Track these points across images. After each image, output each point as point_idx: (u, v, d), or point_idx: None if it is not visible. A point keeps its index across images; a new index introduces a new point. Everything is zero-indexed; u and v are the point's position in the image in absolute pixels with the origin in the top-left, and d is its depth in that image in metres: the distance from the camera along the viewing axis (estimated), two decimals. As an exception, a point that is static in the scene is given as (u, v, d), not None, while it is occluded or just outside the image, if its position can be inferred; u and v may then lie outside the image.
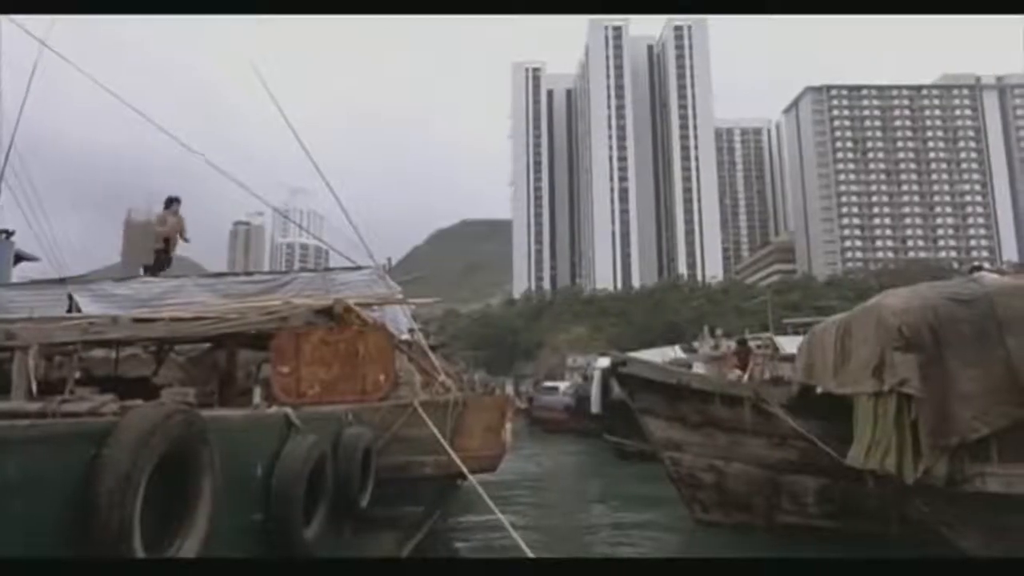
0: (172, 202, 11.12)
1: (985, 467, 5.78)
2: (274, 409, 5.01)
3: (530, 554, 4.41)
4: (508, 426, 6.58)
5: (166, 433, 2.84)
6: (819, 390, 7.45)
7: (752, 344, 17.62)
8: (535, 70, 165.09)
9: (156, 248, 10.98)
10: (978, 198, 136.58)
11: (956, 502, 5.88)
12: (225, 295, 8.65)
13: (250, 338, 7.10)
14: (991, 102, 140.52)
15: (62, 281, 9.48)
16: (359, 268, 9.36)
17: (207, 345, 7.91)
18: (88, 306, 8.49)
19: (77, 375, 6.59)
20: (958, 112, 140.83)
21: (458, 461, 5.70)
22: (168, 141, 8.58)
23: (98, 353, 7.70)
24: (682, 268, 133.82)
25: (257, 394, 6.31)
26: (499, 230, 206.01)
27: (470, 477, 5.71)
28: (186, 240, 11.39)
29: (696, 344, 29.26)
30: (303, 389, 6.34)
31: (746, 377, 14.13)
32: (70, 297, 8.72)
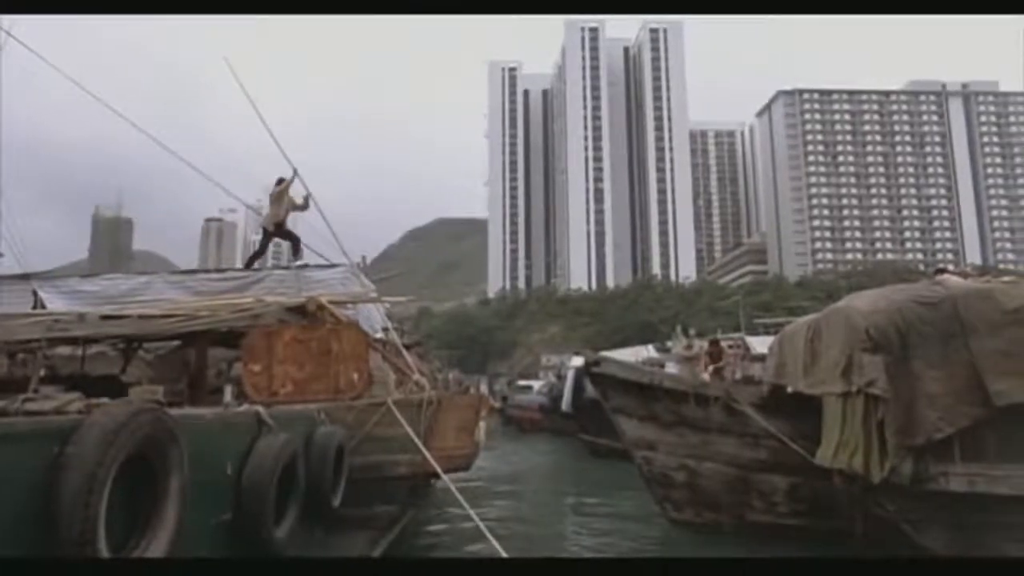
0: (282, 181, 10.46)
1: (948, 466, 5.91)
2: (245, 407, 4.95)
3: (503, 554, 4.41)
4: (482, 425, 6.59)
5: (133, 432, 2.79)
6: (789, 390, 7.56)
7: (724, 344, 17.79)
8: (511, 70, 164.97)
9: (271, 227, 10.41)
10: (943, 202, 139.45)
11: (920, 500, 6.00)
12: (196, 292, 8.53)
13: (221, 336, 7.01)
14: (956, 108, 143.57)
15: (26, 277, 9.27)
16: (333, 266, 9.30)
17: (177, 343, 7.79)
18: (53, 302, 8.33)
19: (42, 373, 6.46)
20: (925, 118, 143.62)
21: (431, 460, 5.69)
22: (141, 137, 8.43)
23: (64, 351, 7.55)
24: (656, 268, 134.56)
25: (228, 392, 6.23)
26: (474, 229, 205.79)
27: (443, 476, 5.70)
28: (301, 208, 10.70)
29: (669, 344, 29.44)
30: (275, 387, 6.28)
31: (708, 374, 14.29)
32: (35, 293, 8.54)
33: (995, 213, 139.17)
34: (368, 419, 6.04)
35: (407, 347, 9.15)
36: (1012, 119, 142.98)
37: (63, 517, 2.44)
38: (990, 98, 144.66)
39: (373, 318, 9.29)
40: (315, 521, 5.03)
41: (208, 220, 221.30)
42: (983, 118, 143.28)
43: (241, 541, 3.89)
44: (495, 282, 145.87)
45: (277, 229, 10.39)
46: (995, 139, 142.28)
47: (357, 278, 9.11)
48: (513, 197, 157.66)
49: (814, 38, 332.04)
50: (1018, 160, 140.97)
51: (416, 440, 5.82)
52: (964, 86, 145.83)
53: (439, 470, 5.67)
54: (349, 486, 5.46)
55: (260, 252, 10.83)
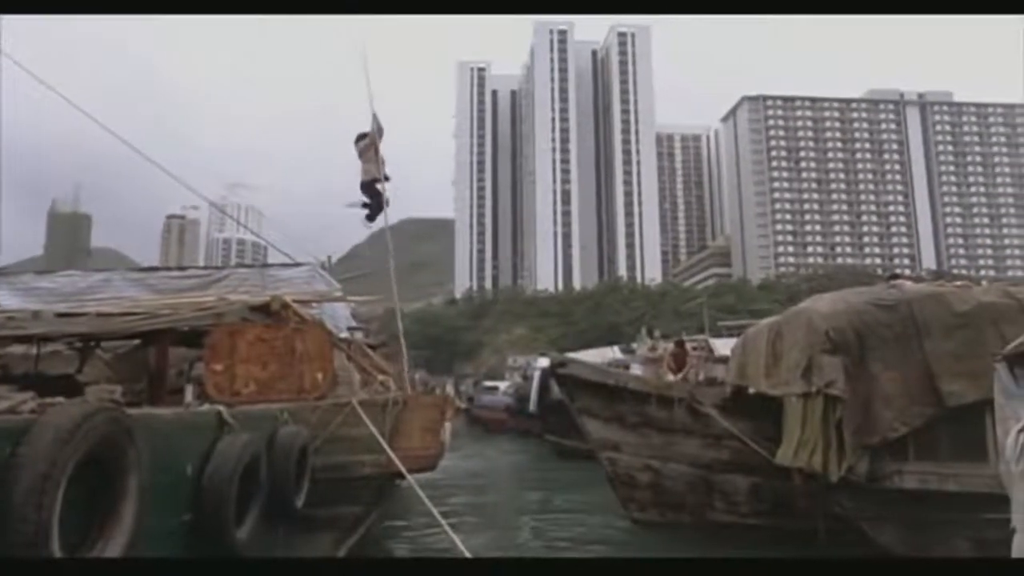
0: (365, 136, 9.34)
1: (902, 465, 6.08)
2: (206, 407, 4.87)
3: (467, 553, 4.41)
4: (447, 425, 6.58)
5: (89, 431, 2.74)
6: (751, 391, 7.67)
7: (688, 346, 17.98)
8: (480, 70, 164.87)
9: (369, 180, 9.32)
10: (901, 208, 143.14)
11: (876, 498, 6.15)
12: (157, 290, 8.37)
13: (182, 335, 6.88)
14: (913, 117, 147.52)
15: (-22, 273, 9.00)
16: (298, 264, 9.19)
17: (137, 342, 7.63)
18: (7, 300, 8.10)
19: (-7, 372, 6.27)
20: (883, 126, 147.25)
21: (396, 460, 5.66)
22: (102, 133, 8.16)
23: (17, 350, 7.32)
24: (622, 270, 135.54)
25: (189, 392, 6.12)
26: (442, 229, 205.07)
27: (408, 477, 5.68)
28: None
29: (635, 345, 29.69)
30: (237, 387, 6.18)
31: (680, 377, 14.43)
32: (-13, 290, 8.29)
33: (949, 220, 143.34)
34: (332, 419, 5.99)
35: (372, 347, 9.09)
36: (965, 128, 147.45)
37: (15, 518, 2.38)
38: (945, 108, 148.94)
39: (338, 318, 9.21)
40: (278, 522, 4.97)
41: (170, 217, 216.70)
42: (938, 127, 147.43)
43: (201, 542, 3.83)
44: (462, 282, 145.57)
45: (371, 185, 9.33)
46: (949, 148, 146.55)
47: (322, 277, 9.03)
48: (480, 197, 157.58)
49: (781, 43, 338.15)
50: (971, 169, 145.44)
51: (381, 440, 5.79)
52: (920, 96, 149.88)
53: (404, 471, 5.65)
54: (313, 487, 5.40)
55: (374, 209, 9.86)
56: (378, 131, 9.18)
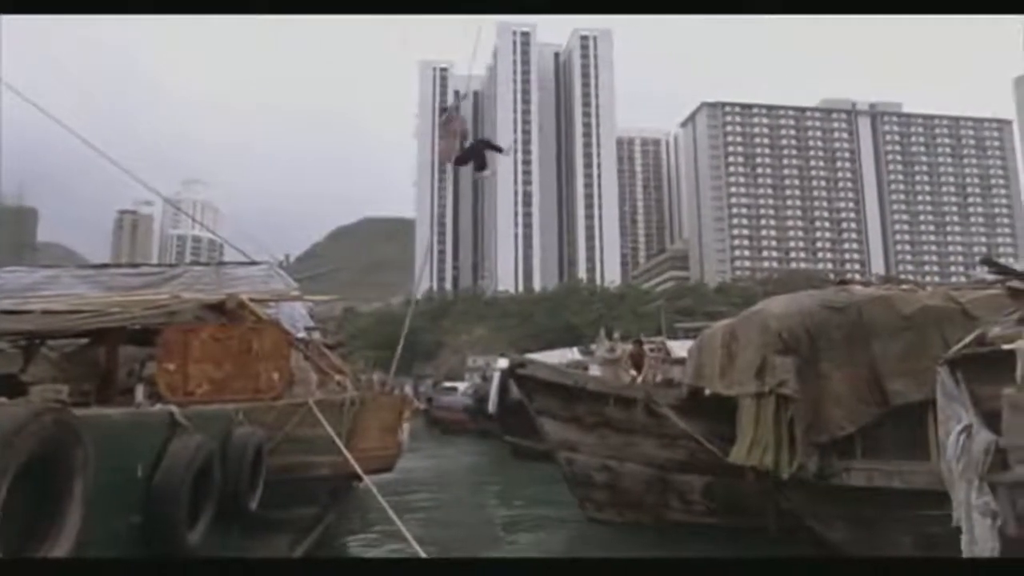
0: (445, 110, 10.41)
1: (850, 462, 6.25)
2: (158, 407, 4.77)
3: (422, 554, 4.40)
4: (405, 426, 6.55)
5: (34, 433, 2.66)
6: (707, 392, 7.80)
7: (646, 347, 18.18)
8: (443, 70, 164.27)
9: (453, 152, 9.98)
10: (852, 214, 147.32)
11: (825, 495, 6.32)
12: (107, 287, 8.15)
13: (133, 333, 6.72)
14: (865, 127, 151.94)
15: (-84, 268, 8.64)
16: (255, 263, 9.06)
17: (85, 341, 7.42)
18: (-54, 296, 7.78)
19: (-69, 371, 6.04)
20: (836, 135, 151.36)
21: (353, 462, 5.61)
22: (52, 125, 7.89)
23: (-44, 348, 7.07)
24: (582, 272, 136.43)
25: (140, 392, 5.98)
26: (402, 229, 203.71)
27: (365, 478, 5.64)
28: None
29: (593, 347, 29.86)
30: (191, 387, 6.06)
31: (640, 379, 14.57)
32: (-75, 286, 7.96)
33: (897, 227, 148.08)
34: (289, 420, 5.92)
35: (330, 347, 9.00)
36: (913, 139, 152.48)
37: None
38: (894, 119, 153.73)
39: (295, 317, 9.10)
40: (232, 524, 4.90)
41: (122, 212, 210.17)
42: (888, 137, 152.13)
43: (151, 545, 3.75)
44: (422, 282, 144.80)
45: (458, 160, 10.01)
46: (898, 158, 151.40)
47: (279, 276, 8.91)
48: (441, 197, 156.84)
49: (742, 49, 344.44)
50: (918, 178, 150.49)
51: (338, 441, 5.73)
52: (872, 106, 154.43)
53: (360, 471, 5.60)
54: (270, 488, 5.33)
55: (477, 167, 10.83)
56: (461, 130, 10.26)
